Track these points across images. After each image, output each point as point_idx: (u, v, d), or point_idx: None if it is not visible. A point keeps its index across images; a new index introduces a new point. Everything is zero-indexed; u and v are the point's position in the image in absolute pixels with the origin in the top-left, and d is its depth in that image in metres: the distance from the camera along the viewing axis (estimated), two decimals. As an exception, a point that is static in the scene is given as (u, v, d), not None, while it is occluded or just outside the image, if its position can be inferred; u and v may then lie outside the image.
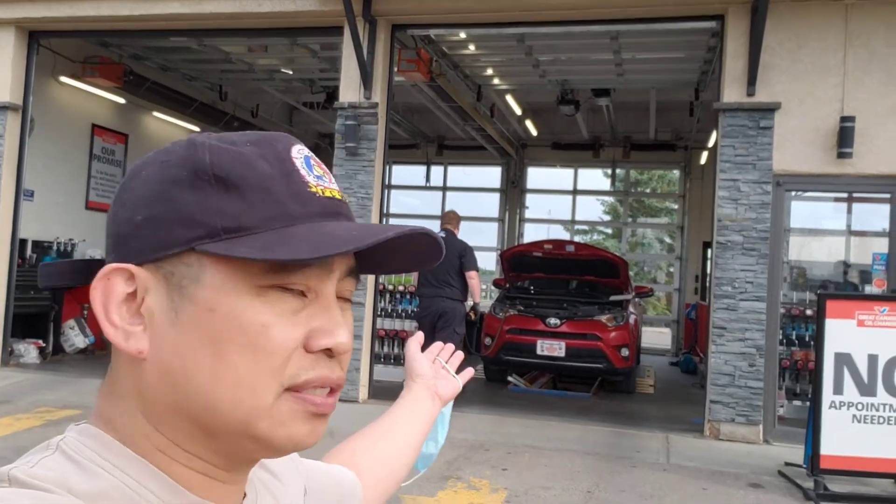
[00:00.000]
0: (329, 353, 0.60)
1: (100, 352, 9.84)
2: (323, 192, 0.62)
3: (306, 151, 0.64)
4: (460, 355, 1.23)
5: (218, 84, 12.02)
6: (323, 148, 16.01)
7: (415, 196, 16.86)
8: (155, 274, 0.59)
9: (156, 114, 11.71)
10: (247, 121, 13.06)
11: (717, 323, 6.88)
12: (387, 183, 8.75)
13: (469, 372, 1.23)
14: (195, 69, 11.27)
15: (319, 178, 0.63)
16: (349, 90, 7.69)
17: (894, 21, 6.56)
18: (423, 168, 16.15)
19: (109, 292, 0.59)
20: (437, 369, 1.18)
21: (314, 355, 0.60)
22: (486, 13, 7.51)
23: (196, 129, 12.35)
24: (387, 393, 8.01)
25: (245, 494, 0.67)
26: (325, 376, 0.60)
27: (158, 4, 7.93)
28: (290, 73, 11.20)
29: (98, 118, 10.64)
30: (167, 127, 12.00)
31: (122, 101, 10.86)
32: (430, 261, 0.69)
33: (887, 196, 6.75)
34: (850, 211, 7.44)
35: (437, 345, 1.23)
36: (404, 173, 16.42)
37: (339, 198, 0.63)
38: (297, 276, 0.59)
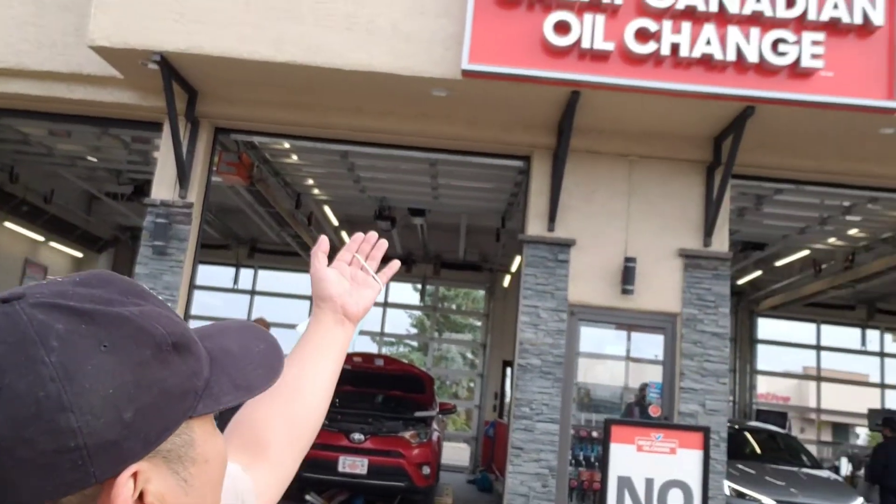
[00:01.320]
0: None
1: None
2: None
3: None
4: (384, 244, 1.09)
5: (9, 165, 11.04)
6: (123, 241, 15.08)
7: (220, 298, 16.20)
8: (153, 460, 0.57)
9: (-71, 190, 10.48)
10: (38, 206, 12.03)
11: (515, 443, 7.15)
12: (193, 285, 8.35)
13: (395, 265, 1.11)
14: (-16, 146, 10.33)
15: None
16: (163, 187, 7.41)
17: (668, 177, 7.60)
18: (231, 269, 15.66)
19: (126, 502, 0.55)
20: (353, 273, 1.05)
21: None
22: (312, 128, 7.70)
23: (-23, 209, 11.17)
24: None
25: None
26: None
27: (-48, 75, 7.29)
28: (95, 160, 10.59)
29: None
30: (-59, 204, 10.75)
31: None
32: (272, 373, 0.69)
33: (662, 329, 7.56)
34: (629, 339, 8.21)
35: (357, 237, 1.09)
36: (210, 273, 15.79)
37: None
38: None
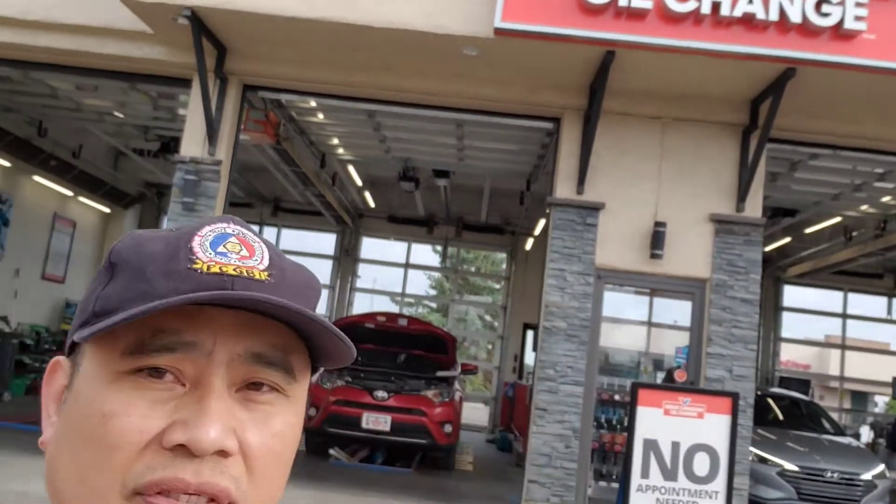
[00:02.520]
0: (186, 449, 0.52)
1: None
2: (208, 269, 0.56)
3: (229, 230, 0.61)
4: None
5: (38, 119, 11.08)
6: (149, 198, 15.18)
7: (244, 257, 16.31)
8: (72, 364, 0.59)
9: (-40, 144, 10.57)
10: (66, 161, 12.10)
11: (538, 404, 7.19)
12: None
13: None
14: (13, 101, 10.34)
15: (221, 255, 0.58)
16: (192, 144, 7.41)
17: (701, 140, 7.46)
18: (255, 228, 15.71)
19: (50, 384, 0.59)
20: None
21: (170, 453, 0.52)
22: (340, 86, 7.63)
23: (6, 164, 11.25)
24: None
25: None
26: (178, 479, 0.52)
27: (-18, 29, 7.28)
28: (122, 116, 10.60)
29: None
30: (-30, 158, 10.86)
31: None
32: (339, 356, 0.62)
33: (690, 295, 7.51)
34: (651, 305, 8.18)
35: None
36: (235, 232, 15.89)
37: (234, 273, 0.57)
38: (163, 360, 0.54)
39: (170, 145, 10.80)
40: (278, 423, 0.58)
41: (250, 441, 0.56)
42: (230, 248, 0.59)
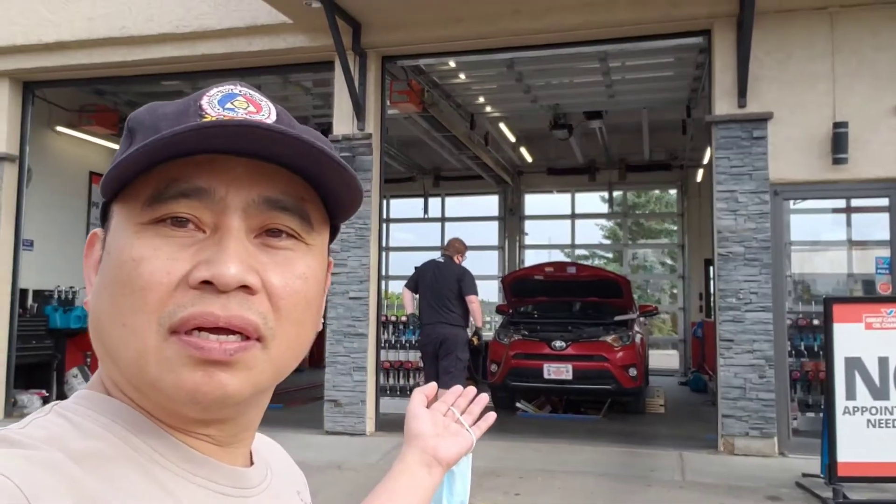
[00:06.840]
0: (213, 287, 0.55)
1: (103, 399, 9.72)
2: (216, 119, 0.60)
3: (236, 90, 0.64)
4: (484, 399, 1.06)
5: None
6: (320, 185, 16.05)
7: (413, 229, 16.85)
8: (105, 231, 0.63)
9: (152, 159, 11.77)
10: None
11: (724, 336, 6.81)
12: (384, 217, 8.73)
13: (490, 417, 1.04)
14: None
15: (229, 111, 0.61)
16: (342, 123, 7.73)
17: (880, 26, 6.62)
18: (420, 200, 16.19)
19: (89, 255, 0.64)
20: (447, 423, 0.99)
21: (198, 291, 0.56)
22: (475, 40, 7.58)
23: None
24: (394, 426, 7.90)
25: (252, 462, 0.67)
26: (208, 312, 0.55)
27: (150, 49, 8.02)
28: (284, 111, 11.26)
29: (95, 165, 10.69)
30: (163, 171, 12.07)
31: (118, 147, 10.92)
32: (343, 187, 0.64)
33: (885, 200, 6.73)
34: (849, 223, 7.42)
35: (455, 391, 1.05)
36: (401, 206, 16.46)
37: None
38: (180, 206, 0.57)
39: (329, 132, 11.33)
40: (300, 266, 0.61)
41: (273, 281, 0.59)
42: (237, 105, 0.63)
